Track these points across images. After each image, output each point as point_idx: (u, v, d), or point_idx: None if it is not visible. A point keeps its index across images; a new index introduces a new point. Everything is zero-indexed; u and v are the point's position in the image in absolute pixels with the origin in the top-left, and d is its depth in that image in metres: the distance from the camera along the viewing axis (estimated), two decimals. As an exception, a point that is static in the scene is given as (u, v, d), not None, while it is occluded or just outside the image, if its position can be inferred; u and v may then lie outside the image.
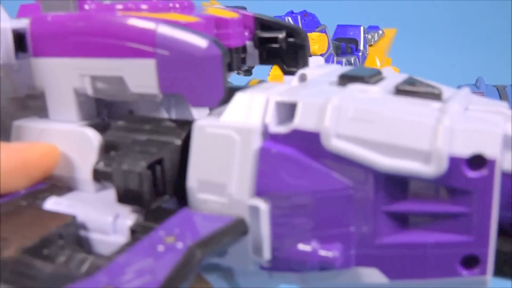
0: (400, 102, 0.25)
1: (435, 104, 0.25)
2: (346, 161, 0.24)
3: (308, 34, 1.35)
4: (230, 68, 0.33)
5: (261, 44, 0.35)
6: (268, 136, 0.25)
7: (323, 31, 1.39)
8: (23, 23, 0.32)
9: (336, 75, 0.28)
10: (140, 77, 0.27)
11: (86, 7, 0.31)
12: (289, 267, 0.25)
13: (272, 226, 0.25)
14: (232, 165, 0.25)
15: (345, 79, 0.27)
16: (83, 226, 0.26)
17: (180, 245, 0.22)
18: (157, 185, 0.25)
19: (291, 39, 0.34)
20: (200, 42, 0.26)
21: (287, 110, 0.25)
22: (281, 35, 0.34)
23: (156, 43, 0.27)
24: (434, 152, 0.22)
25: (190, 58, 0.26)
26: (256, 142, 0.25)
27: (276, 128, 0.25)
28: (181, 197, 0.27)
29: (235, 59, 0.33)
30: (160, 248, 0.22)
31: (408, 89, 0.26)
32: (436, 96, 0.25)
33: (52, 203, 0.28)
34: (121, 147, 0.27)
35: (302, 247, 0.25)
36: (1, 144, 0.28)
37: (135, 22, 0.27)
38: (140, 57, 0.27)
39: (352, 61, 1.48)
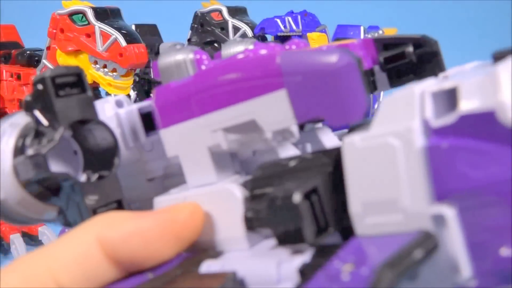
0: None
1: None
2: (537, 135, 0.19)
3: (308, 34, 1.30)
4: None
5: (388, 64, 0.32)
6: (431, 132, 0.21)
7: (323, 31, 1.35)
8: (148, 104, 0.32)
9: (481, 64, 0.25)
10: (273, 112, 0.25)
11: (203, 67, 0.30)
12: (497, 281, 0.21)
13: (464, 234, 0.20)
14: (398, 175, 0.21)
15: (501, 56, 0.23)
16: (245, 282, 0.24)
17: (364, 270, 0.19)
18: (317, 218, 0.22)
19: (420, 50, 0.31)
20: (328, 56, 0.24)
21: (445, 100, 0.22)
22: (408, 49, 0.31)
23: (282, 71, 0.25)
24: None
25: (322, 75, 0.24)
26: (420, 142, 0.21)
27: (439, 121, 0.21)
28: (343, 230, 0.24)
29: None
30: (342, 277, 0.19)
31: None
32: None
33: (208, 266, 0.25)
34: (268, 192, 0.25)
35: (507, 252, 0.20)
36: (146, 212, 0.27)
37: (254, 58, 0.26)
38: (269, 91, 0.25)
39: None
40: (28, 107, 0.30)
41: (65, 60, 1.19)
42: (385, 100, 0.23)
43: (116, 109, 0.33)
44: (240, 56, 0.29)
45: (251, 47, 0.35)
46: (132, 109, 0.32)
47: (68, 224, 0.30)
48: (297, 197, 0.22)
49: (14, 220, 0.32)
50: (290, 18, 1.39)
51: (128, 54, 1.12)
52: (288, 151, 0.30)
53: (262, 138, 0.27)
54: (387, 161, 0.22)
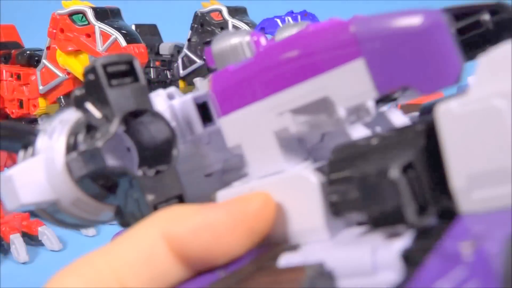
0: None
1: None
2: None
3: (308, 34, 1.28)
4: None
5: (461, 35, 0.29)
6: (544, 89, 0.19)
7: (323, 31, 1.32)
8: (203, 93, 0.30)
9: None
10: (349, 86, 0.23)
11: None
12: None
13: None
14: (508, 141, 0.19)
15: None
16: (334, 274, 0.21)
17: (490, 246, 0.16)
18: (416, 196, 0.20)
19: (496, 17, 0.29)
20: (412, 16, 0.21)
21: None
22: (484, 16, 0.29)
23: (358, 39, 0.22)
24: None
25: (408, 38, 0.21)
26: (533, 100, 0.19)
27: (552, 76, 0.19)
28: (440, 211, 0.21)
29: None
30: (464, 258, 0.16)
31: None
32: None
33: (287, 259, 0.23)
34: (353, 173, 0.22)
35: None
36: (213, 204, 0.25)
37: (323, 29, 0.24)
38: (343, 63, 0.23)
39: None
40: (78, 102, 0.28)
41: (65, 60, 1.18)
42: (482, 61, 0.21)
43: (168, 102, 0.31)
44: (304, 30, 0.27)
45: (307, 29, 0.33)
46: (186, 99, 0.30)
47: (127, 224, 0.28)
48: (394, 172, 0.19)
49: (67, 224, 0.30)
50: (290, 18, 1.37)
51: (128, 54, 1.11)
52: (360, 133, 0.27)
53: (334, 118, 0.25)
54: (493, 126, 0.19)
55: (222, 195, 0.28)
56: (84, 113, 0.28)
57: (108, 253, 0.24)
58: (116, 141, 0.28)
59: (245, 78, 0.26)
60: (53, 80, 1.23)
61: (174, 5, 2.16)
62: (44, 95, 1.27)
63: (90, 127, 0.27)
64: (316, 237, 0.24)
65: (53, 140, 0.28)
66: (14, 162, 1.47)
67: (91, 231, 1.29)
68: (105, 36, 1.13)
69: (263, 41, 0.28)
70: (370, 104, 0.25)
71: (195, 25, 1.49)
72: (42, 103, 1.27)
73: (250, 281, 0.22)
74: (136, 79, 0.27)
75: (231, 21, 1.42)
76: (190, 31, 1.49)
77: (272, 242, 0.25)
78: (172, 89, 0.32)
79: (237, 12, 1.47)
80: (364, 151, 0.23)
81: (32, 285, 1.10)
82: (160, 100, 0.31)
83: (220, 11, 1.46)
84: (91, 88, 0.27)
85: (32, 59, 1.30)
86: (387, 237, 0.20)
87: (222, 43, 0.29)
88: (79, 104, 0.28)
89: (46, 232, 1.25)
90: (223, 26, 1.44)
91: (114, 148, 0.28)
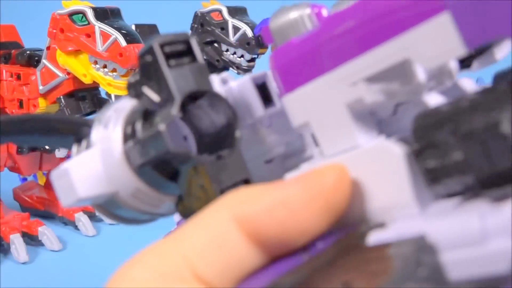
0: None
1: None
2: None
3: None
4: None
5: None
6: None
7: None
8: (261, 73, 0.29)
9: None
10: (433, 44, 0.21)
11: (324, 22, 0.26)
12: None
13: None
14: None
15: None
16: (437, 247, 0.19)
17: None
18: None
19: None
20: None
21: None
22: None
23: (442, -9, 0.21)
24: None
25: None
26: None
27: None
28: None
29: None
30: None
31: None
32: None
33: (377, 237, 0.21)
34: (445, 138, 0.20)
35: None
36: (284, 180, 0.23)
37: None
38: (426, 19, 0.21)
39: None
40: (132, 89, 0.26)
41: (65, 60, 1.18)
42: None
43: (223, 86, 0.30)
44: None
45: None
46: (244, 81, 0.29)
47: (189, 214, 0.26)
48: (506, 125, 0.17)
49: (124, 219, 0.28)
50: (290, 18, 1.37)
51: (128, 54, 1.10)
52: (438, 101, 0.25)
53: (414, 83, 0.23)
54: None
55: (291, 177, 0.26)
56: (140, 99, 0.26)
57: (176, 239, 0.22)
58: (174, 128, 0.27)
59: (312, 50, 0.25)
60: (53, 80, 1.22)
61: (174, 5, 2.16)
62: (44, 95, 1.26)
63: (147, 115, 0.26)
64: (403, 213, 0.22)
65: (109, 129, 0.26)
66: (14, 162, 1.45)
67: (91, 231, 1.28)
68: (105, 36, 1.12)
69: (324, 12, 0.27)
70: (453, 65, 0.23)
71: (195, 25, 1.48)
72: (42, 103, 1.27)
73: (338, 262, 0.20)
74: (194, 59, 0.26)
75: (231, 21, 1.42)
76: (190, 31, 1.49)
77: (350, 223, 0.23)
78: (225, 74, 0.30)
79: (237, 12, 1.46)
80: (453, 115, 0.21)
81: (32, 285, 1.10)
82: (215, 85, 0.29)
83: (220, 11, 1.45)
84: (147, 71, 0.25)
85: (32, 59, 1.29)
86: (494, 201, 0.18)
87: (281, 18, 0.27)
88: (134, 91, 0.26)
89: (46, 232, 1.24)
90: (223, 26, 1.43)
91: (173, 135, 0.26)
